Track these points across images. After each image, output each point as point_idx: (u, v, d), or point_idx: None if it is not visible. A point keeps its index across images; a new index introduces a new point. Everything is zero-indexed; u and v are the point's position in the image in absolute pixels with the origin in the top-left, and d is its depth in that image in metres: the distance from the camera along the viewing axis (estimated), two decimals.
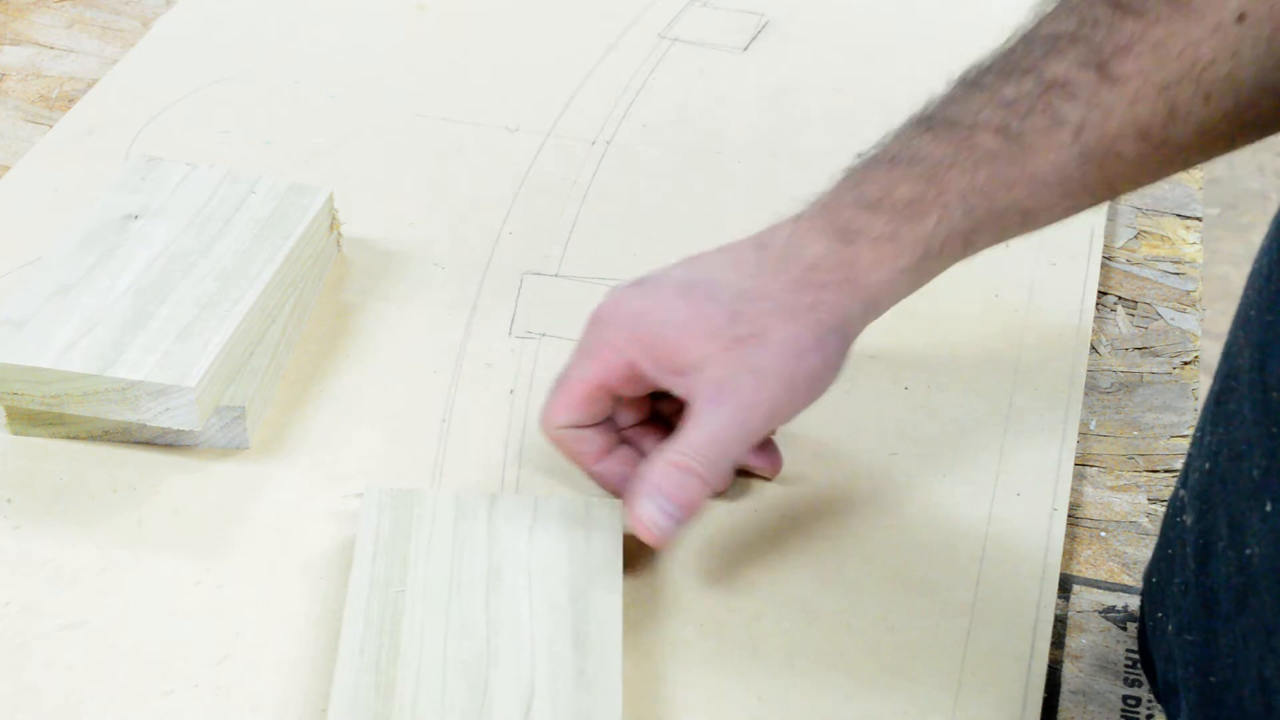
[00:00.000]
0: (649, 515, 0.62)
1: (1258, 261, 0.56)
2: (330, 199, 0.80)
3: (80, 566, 0.65)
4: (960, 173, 0.62)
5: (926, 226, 0.63)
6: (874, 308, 0.65)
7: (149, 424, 0.68)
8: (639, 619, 0.64)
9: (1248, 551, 0.54)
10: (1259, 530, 0.53)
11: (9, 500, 0.68)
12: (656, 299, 0.65)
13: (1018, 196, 0.63)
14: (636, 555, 0.66)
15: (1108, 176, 0.63)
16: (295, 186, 0.80)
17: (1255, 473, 0.53)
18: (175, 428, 0.68)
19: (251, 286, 0.73)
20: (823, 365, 0.64)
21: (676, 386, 0.64)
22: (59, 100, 0.95)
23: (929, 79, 0.99)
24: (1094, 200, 0.65)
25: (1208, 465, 0.57)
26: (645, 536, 0.62)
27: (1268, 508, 0.52)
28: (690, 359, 0.63)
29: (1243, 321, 0.56)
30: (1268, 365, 0.53)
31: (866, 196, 0.64)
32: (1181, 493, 0.61)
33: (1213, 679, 0.58)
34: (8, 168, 0.89)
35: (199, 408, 0.68)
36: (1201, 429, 0.58)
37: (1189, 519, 0.59)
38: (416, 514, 0.64)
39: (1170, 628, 0.60)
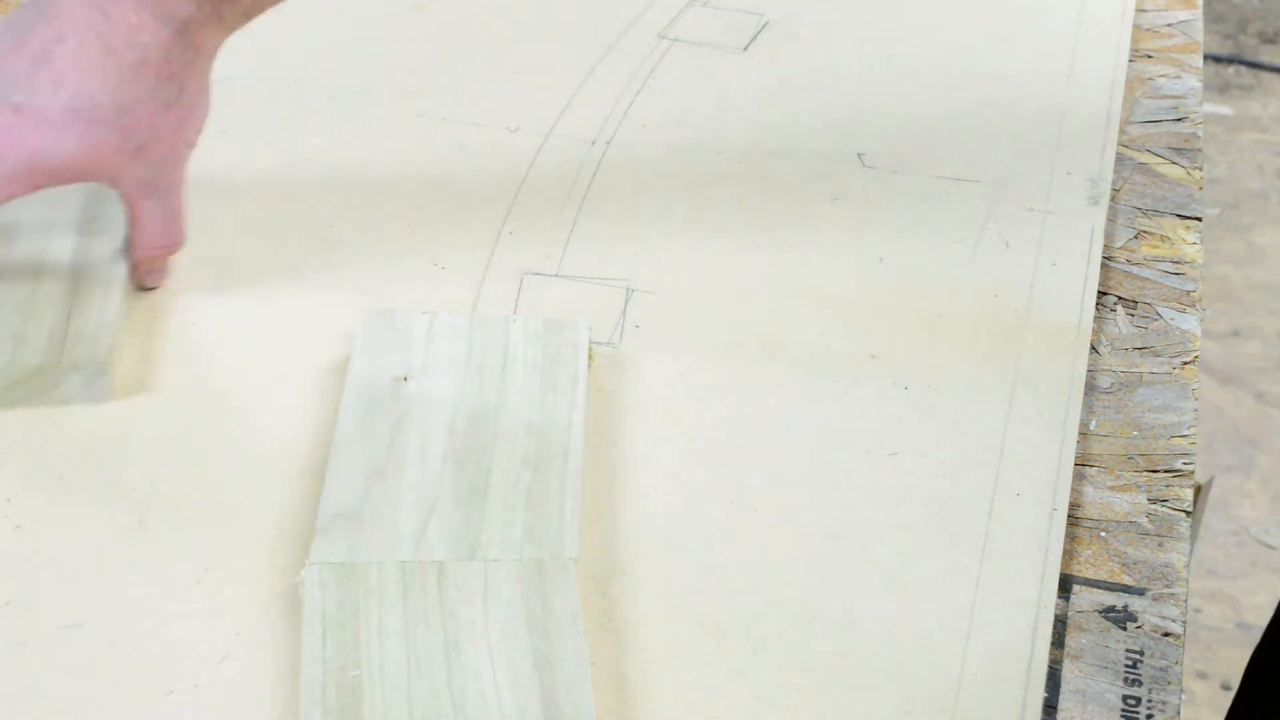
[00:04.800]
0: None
1: None
2: (588, 333, 0.76)
3: (80, 566, 0.65)
4: None
5: None
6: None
7: None
8: (638, 618, 0.64)
9: None
10: None
11: (9, 500, 0.68)
12: (47, 135, 0.72)
13: None
14: (637, 555, 0.66)
15: None
16: (551, 322, 0.76)
17: None
18: None
19: (571, 437, 0.69)
20: (195, 99, 0.76)
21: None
22: None
23: (928, 78, 0.99)
24: None
25: None
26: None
27: None
28: (106, 178, 0.75)
29: None
30: None
31: None
32: None
33: None
34: None
35: None
36: None
37: None
38: (363, 590, 0.62)
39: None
